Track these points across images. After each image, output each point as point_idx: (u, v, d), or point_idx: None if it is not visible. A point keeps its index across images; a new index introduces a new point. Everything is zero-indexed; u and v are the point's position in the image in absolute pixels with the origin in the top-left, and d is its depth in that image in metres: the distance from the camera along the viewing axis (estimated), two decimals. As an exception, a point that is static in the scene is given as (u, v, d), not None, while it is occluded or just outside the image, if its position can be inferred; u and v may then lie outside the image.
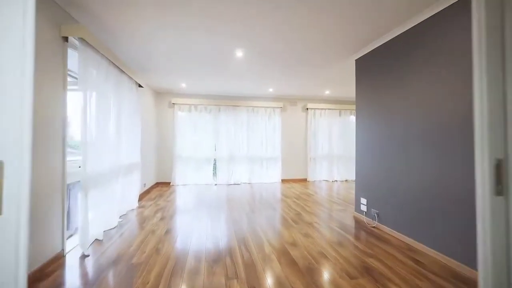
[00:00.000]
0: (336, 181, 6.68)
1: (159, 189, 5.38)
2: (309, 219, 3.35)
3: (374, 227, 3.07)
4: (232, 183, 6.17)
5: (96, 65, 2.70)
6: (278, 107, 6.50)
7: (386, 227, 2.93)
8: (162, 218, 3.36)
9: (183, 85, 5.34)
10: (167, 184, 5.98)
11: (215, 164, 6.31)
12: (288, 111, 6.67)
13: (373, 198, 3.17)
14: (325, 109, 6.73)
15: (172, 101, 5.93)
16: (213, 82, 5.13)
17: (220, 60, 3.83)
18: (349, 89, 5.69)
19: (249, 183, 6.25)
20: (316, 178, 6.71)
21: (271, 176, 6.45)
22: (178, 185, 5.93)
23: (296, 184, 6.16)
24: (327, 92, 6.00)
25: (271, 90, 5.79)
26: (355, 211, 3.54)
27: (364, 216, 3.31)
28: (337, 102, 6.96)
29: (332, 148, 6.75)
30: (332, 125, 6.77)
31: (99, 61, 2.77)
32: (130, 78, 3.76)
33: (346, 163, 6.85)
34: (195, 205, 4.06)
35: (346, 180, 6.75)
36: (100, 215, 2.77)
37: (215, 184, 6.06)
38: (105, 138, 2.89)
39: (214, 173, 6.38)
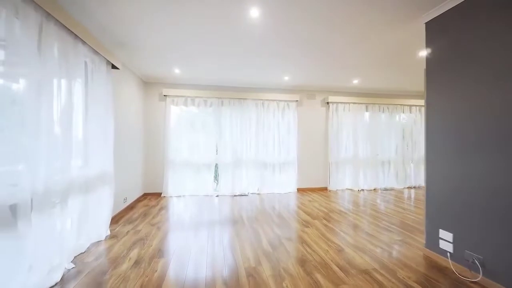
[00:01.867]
0: (363, 190, 5.53)
1: (145, 204, 4.22)
2: (361, 263, 2.20)
3: (475, 282, 1.91)
4: (238, 193, 5.02)
5: (23, 23, 1.55)
6: (293, 101, 5.34)
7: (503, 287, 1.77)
8: (137, 262, 2.20)
9: (177, 70, 4.19)
10: (157, 195, 4.83)
11: (216, 170, 5.16)
12: (305, 106, 5.51)
13: (469, 232, 2.02)
14: (349, 103, 5.57)
15: (164, 93, 4.78)
16: (214, 67, 3.98)
17: (225, 30, 2.68)
18: (387, 77, 4.52)
19: (258, 194, 5.10)
20: (338, 187, 5.55)
21: (285, 185, 5.29)
22: (171, 196, 4.77)
23: (316, 195, 5.00)
24: (355, 81, 4.84)
25: (286, 78, 4.63)
26: (427, 247, 2.39)
27: (449, 260, 2.15)
28: (364, 94, 5.80)
29: (358, 150, 5.59)
30: (357, 122, 5.61)
31: (26, 14, 1.63)
32: (96, 52, 2.61)
33: (375, 168, 5.68)
34: (191, 230, 2.91)
35: (374, 189, 5.59)
36: (33, 262, 1.64)
37: (217, 196, 4.91)
38: (46, 139, 1.76)
39: (216, 181, 5.23)
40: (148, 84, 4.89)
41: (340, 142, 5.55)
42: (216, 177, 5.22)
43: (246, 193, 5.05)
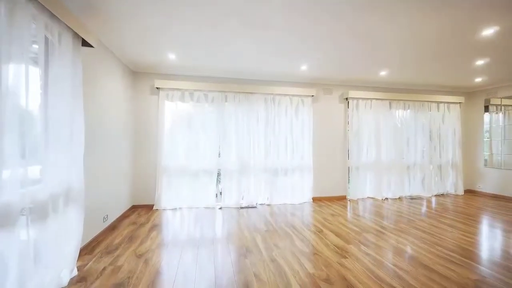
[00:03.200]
0: (387, 199, 4.81)
1: (133, 220, 3.42)
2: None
3: None
4: (245, 205, 4.24)
5: None
6: (308, 96, 4.59)
7: None
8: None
9: (172, 56, 3.41)
10: (148, 208, 4.02)
11: (219, 177, 4.38)
12: (321, 102, 4.77)
13: None
14: (371, 99, 4.84)
15: (156, 85, 3.98)
16: (217, 52, 3.21)
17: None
18: (422, 68, 3.79)
19: (268, 205, 4.33)
20: (358, 196, 4.82)
21: (299, 194, 4.53)
22: (165, 209, 3.97)
23: (336, 206, 4.26)
24: (383, 72, 4.11)
25: (304, 67, 3.87)
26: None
27: None
28: (387, 89, 5.08)
29: (381, 153, 4.87)
30: (380, 121, 4.89)
31: None
32: (54, 18, 1.81)
33: (400, 173, 4.97)
34: (191, 264, 2.13)
35: (399, 198, 4.88)
36: None
37: (220, 208, 4.12)
38: None
39: (219, 191, 4.44)
40: (137, 74, 4.08)
41: (360, 144, 4.82)
42: (218, 186, 4.43)
43: (255, 204, 4.28)
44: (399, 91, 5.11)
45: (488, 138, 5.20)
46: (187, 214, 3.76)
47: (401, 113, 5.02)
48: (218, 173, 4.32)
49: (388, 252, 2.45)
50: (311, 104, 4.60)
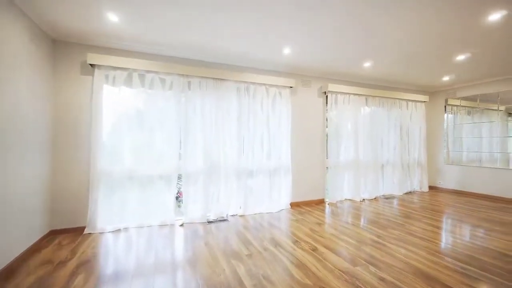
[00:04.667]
0: (364, 200, 4.56)
1: (47, 257, 2.30)
2: None
3: None
4: (213, 218, 3.43)
5: None
6: (286, 87, 4.01)
7: None
8: None
9: (113, 18, 2.42)
10: (77, 232, 2.88)
11: (180, 184, 3.47)
12: (299, 95, 4.25)
13: None
14: (349, 94, 4.53)
15: (90, 60, 2.87)
16: (181, 20, 2.36)
17: None
18: (405, 63, 3.55)
19: (241, 216, 3.60)
20: (337, 198, 4.45)
21: (276, 200, 3.92)
22: (103, 232, 2.89)
23: (318, 212, 3.78)
24: (367, 64, 3.79)
25: (286, 51, 3.27)
26: None
27: None
28: (365, 85, 4.85)
29: (358, 152, 4.60)
30: (358, 118, 4.62)
31: None
32: None
33: (375, 173, 4.78)
34: None
35: (375, 198, 4.69)
36: None
37: (181, 224, 3.23)
38: None
39: (179, 201, 3.53)
40: (60, 44, 2.90)
41: (339, 142, 4.46)
42: (179, 195, 3.52)
43: (225, 216, 3.50)
44: (375, 87, 4.94)
45: (447, 136, 5.43)
46: (135, 237, 2.77)
47: (376, 110, 4.85)
48: (179, 179, 3.41)
49: (403, 273, 1.98)
50: (289, 97, 4.03)
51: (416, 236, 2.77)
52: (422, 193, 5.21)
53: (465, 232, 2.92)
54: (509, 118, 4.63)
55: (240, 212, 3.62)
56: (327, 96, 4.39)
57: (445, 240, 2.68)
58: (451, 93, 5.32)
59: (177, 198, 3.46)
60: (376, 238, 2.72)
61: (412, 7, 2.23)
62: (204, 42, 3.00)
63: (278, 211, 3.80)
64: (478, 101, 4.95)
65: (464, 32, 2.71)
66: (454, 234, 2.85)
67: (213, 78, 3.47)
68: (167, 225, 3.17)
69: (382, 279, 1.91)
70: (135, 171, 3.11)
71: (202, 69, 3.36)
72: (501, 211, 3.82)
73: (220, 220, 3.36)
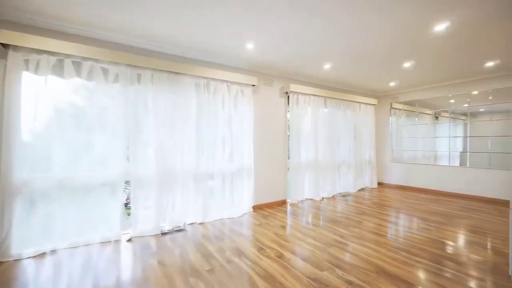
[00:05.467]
0: (323, 199, 4.69)
1: None
2: None
3: None
4: (168, 228, 3.06)
5: None
6: (249, 85, 3.84)
7: None
8: None
9: (31, -15, 1.90)
10: (-16, 259, 2.22)
11: (128, 192, 3.01)
12: (262, 94, 4.13)
13: None
14: (310, 94, 4.59)
15: (2, 39, 2.24)
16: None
17: None
18: (363, 65, 3.72)
19: (201, 223, 3.30)
20: (298, 198, 4.47)
21: (238, 204, 3.72)
22: (19, 259, 2.28)
23: (281, 214, 3.71)
24: (327, 66, 3.86)
25: (250, 46, 3.09)
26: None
27: None
28: (324, 87, 4.98)
29: (318, 152, 4.71)
30: (318, 118, 4.72)
31: None
32: None
33: (332, 172, 4.97)
34: None
35: (333, 197, 4.86)
36: None
37: (129, 239, 2.78)
38: None
39: (127, 212, 3.06)
40: (-47, 15, 2.20)
41: (300, 142, 4.48)
42: (127, 205, 3.05)
43: (182, 226, 3.16)
44: (333, 89, 5.13)
45: (391, 137, 5.98)
46: (67, 260, 2.26)
47: (333, 111, 5.03)
48: (126, 186, 2.94)
49: (368, 273, 1.99)
50: (252, 96, 3.87)
51: (374, 233, 2.89)
52: (372, 189, 5.63)
53: (414, 225, 3.17)
54: (436, 121, 5.32)
55: (200, 220, 3.31)
56: (288, 96, 4.37)
57: (399, 234, 2.85)
58: (395, 97, 5.87)
59: (126, 204, 2.99)
60: (339, 238, 2.74)
61: (366, 16, 2.28)
62: (158, 28, 2.62)
63: (241, 216, 3.61)
64: (416, 105, 5.56)
65: (411, 41, 2.92)
66: (405, 228, 3.06)
67: (168, 72, 3.09)
68: (111, 241, 2.69)
69: (350, 283, 1.87)
70: (69, 179, 2.56)
71: (154, 60, 2.95)
72: (436, 202, 4.31)
73: (177, 230, 3.01)
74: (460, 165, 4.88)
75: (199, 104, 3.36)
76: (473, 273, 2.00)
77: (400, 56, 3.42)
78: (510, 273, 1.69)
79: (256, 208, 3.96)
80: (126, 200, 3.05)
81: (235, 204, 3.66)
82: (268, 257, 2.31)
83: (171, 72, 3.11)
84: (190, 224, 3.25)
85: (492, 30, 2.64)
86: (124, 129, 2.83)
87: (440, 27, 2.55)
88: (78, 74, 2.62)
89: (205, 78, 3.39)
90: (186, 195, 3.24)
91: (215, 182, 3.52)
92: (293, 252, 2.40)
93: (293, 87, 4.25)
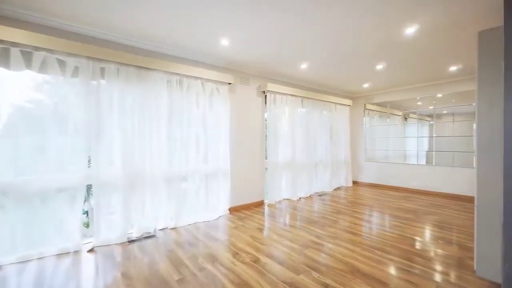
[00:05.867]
0: (301, 199, 4.70)
1: None
2: None
3: None
4: (137, 236, 2.83)
5: None
6: (225, 83, 3.71)
7: None
8: None
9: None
10: None
11: (89, 197, 2.74)
12: (238, 93, 4.02)
13: None
14: (287, 94, 4.57)
15: None
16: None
17: None
18: (340, 66, 3.76)
19: (173, 228, 3.11)
20: (275, 199, 4.43)
21: (214, 206, 3.57)
22: (-45, 276, 1.96)
23: (258, 216, 3.63)
24: (303, 65, 3.86)
25: (225, 43, 2.97)
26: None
27: None
28: (300, 87, 4.99)
29: (295, 152, 4.71)
30: (295, 118, 4.72)
31: None
32: None
33: (309, 171, 5.00)
34: None
35: (310, 196, 4.89)
36: None
37: (91, 249, 2.52)
38: None
39: (88, 220, 2.79)
40: None
41: (277, 143, 4.45)
42: (88, 212, 2.78)
43: (152, 232, 2.95)
44: (310, 90, 5.16)
45: (365, 137, 6.19)
46: (14, 278, 1.98)
47: (310, 111, 5.07)
48: (87, 191, 2.68)
49: (344, 274, 1.97)
50: (228, 94, 3.75)
51: (350, 232, 2.91)
52: (348, 188, 5.77)
53: (386, 222, 3.25)
54: (405, 122, 5.60)
55: (172, 225, 3.12)
56: (266, 96, 4.31)
57: (373, 232, 2.90)
58: (369, 98, 6.08)
59: (87, 211, 2.72)
60: (315, 239, 2.71)
61: (339, 16, 2.27)
62: (124, 18, 2.41)
63: (216, 219, 3.47)
64: (388, 107, 5.80)
65: (383, 44, 2.99)
66: (378, 226, 3.13)
67: (137, 66, 2.87)
68: (70, 253, 2.42)
69: (326, 286, 1.83)
70: (16, 185, 2.25)
71: (120, 53, 2.72)
72: (406, 199, 4.51)
73: (146, 237, 2.80)
74: (426, 163, 5.16)
75: (171, 102, 3.17)
76: (442, 268, 2.07)
77: (373, 58, 3.50)
78: (475, 268, 1.76)
79: (233, 210, 3.85)
80: (88, 206, 2.78)
81: (210, 207, 3.51)
82: (243, 262, 2.21)
83: (140, 67, 2.89)
84: (161, 229, 3.05)
85: (455, 36, 2.78)
86: (85, 128, 2.57)
87: (410, 30, 2.63)
88: (29, 65, 2.32)
89: (178, 74, 3.20)
90: (157, 199, 3.04)
91: (188, 184, 3.34)
92: (269, 256, 2.32)
93: (270, 86, 4.20)
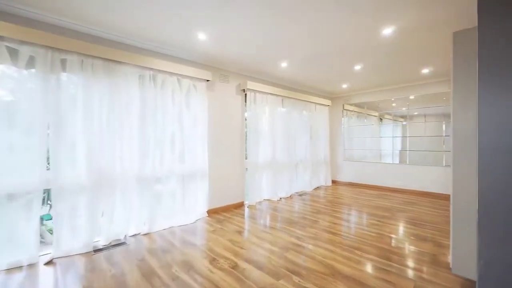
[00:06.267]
0: (281, 199, 4.66)
1: None
2: None
3: None
4: (104, 243, 2.59)
5: None
6: (203, 80, 3.54)
7: None
8: None
9: None
10: None
11: (47, 204, 2.46)
12: (217, 91, 3.87)
13: None
14: (267, 93, 4.50)
15: None
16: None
17: None
18: (320, 65, 3.76)
19: (146, 234, 2.90)
20: (256, 199, 4.35)
21: (191, 209, 3.40)
22: None
23: (238, 218, 3.52)
24: (284, 64, 3.80)
25: (202, 37, 2.82)
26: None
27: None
28: (281, 86, 4.94)
29: (276, 152, 4.65)
30: (275, 118, 4.67)
31: None
32: None
33: (290, 171, 4.98)
34: None
35: (290, 196, 4.87)
36: None
37: (49, 261, 2.25)
38: None
39: (46, 229, 2.50)
40: None
41: (258, 142, 4.36)
42: (45, 220, 2.49)
43: (122, 238, 2.72)
44: (290, 89, 5.14)
45: (344, 137, 6.31)
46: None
47: (290, 111, 5.04)
48: (46, 196, 2.40)
49: (324, 277, 1.92)
50: (206, 92, 3.59)
51: (329, 232, 2.90)
52: (327, 187, 5.84)
53: (364, 221, 3.29)
54: (381, 122, 5.79)
55: (145, 230, 2.91)
56: (246, 94, 4.20)
57: (352, 232, 2.91)
58: (347, 99, 6.20)
59: (42, 219, 2.44)
60: (296, 241, 2.66)
61: (319, 16, 2.24)
62: (91, 5, 2.17)
63: (194, 222, 3.30)
64: (365, 107, 5.95)
65: (361, 44, 3.02)
66: (357, 225, 3.15)
67: (104, 59, 2.63)
68: (23, 266, 2.14)
69: (306, 290, 1.77)
70: (-44, 191, 1.94)
71: (84, 44, 2.46)
72: (383, 198, 4.64)
73: (115, 245, 2.57)
74: (399, 162, 5.37)
75: (144, 98, 2.95)
76: (418, 266, 2.10)
77: (351, 58, 3.53)
78: (451, 266, 1.79)
79: (211, 212, 3.69)
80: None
81: (187, 210, 3.33)
82: (221, 269, 2.08)
83: (108, 59, 2.64)
84: (133, 235, 2.83)
85: (429, 37, 2.86)
86: (41, 126, 2.29)
87: (387, 30, 2.66)
88: (-28, 53, 2.01)
89: (152, 69, 2.99)
90: (128, 203, 2.81)
91: (164, 185, 3.14)
92: (248, 261, 2.22)
93: (251, 84, 4.10)
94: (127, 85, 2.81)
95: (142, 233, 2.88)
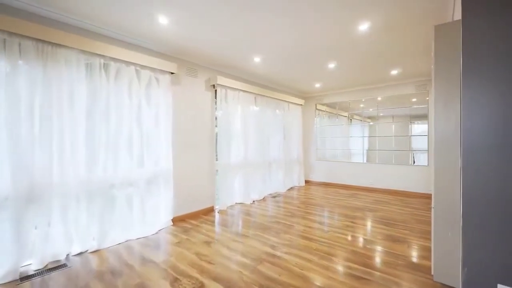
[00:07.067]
0: (254, 202, 4.42)
1: None
2: None
3: None
4: (37, 268, 2.10)
5: None
6: (166, 72, 3.15)
7: None
8: None
9: None
10: None
11: (-46, 221, 1.91)
12: (184, 85, 3.50)
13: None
14: (239, 90, 4.23)
15: None
16: None
17: None
18: (295, 62, 3.59)
19: (96, 251, 2.44)
20: (227, 203, 4.06)
21: (152, 219, 2.99)
22: None
23: (207, 226, 3.20)
24: (257, 59, 3.57)
25: (163, 21, 2.44)
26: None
27: None
28: (254, 83, 4.71)
29: (248, 152, 4.41)
30: (247, 116, 4.42)
31: None
32: None
33: (263, 173, 4.77)
34: None
35: (264, 199, 4.66)
36: None
37: (-45, 297, 1.73)
38: None
39: (-48, 254, 1.94)
40: None
41: (229, 142, 4.07)
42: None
43: (63, 259, 2.25)
44: (263, 87, 4.93)
45: (316, 136, 6.30)
46: None
47: (263, 110, 4.84)
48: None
49: (303, 295, 1.72)
50: (170, 86, 3.20)
51: (305, 238, 2.73)
52: (300, 187, 5.75)
53: (339, 223, 3.19)
54: (350, 122, 5.88)
55: (94, 246, 2.46)
56: (216, 91, 3.88)
57: (327, 236, 2.77)
58: (320, 99, 6.19)
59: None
60: (270, 250, 2.43)
61: (292, 9, 2.04)
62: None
63: (156, 233, 2.91)
64: (336, 108, 5.99)
65: (334, 42, 2.90)
66: (332, 228, 3.02)
67: (37, 39, 2.13)
68: None
69: (283, 312, 1.54)
70: None
71: (7, 18, 1.95)
72: (354, 197, 4.66)
73: (52, 268, 2.10)
74: (367, 162, 5.48)
75: (92, 90, 2.49)
76: (399, 273, 2.00)
77: (324, 55, 3.43)
78: (432, 273, 1.70)
79: (177, 220, 3.32)
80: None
81: (147, 220, 2.92)
82: (184, 291, 1.77)
83: (43, 41, 2.15)
84: (77, 254, 2.36)
85: (397, 38, 2.84)
86: None
87: (363, 26, 2.56)
88: None
89: (103, 56, 2.54)
90: (71, 215, 2.33)
91: (118, 193, 2.70)
92: (217, 279, 1.93)
93: (221, 80, 3.79)
94: (70, 73, 2.33)
95: (90, 251, 2.42)
